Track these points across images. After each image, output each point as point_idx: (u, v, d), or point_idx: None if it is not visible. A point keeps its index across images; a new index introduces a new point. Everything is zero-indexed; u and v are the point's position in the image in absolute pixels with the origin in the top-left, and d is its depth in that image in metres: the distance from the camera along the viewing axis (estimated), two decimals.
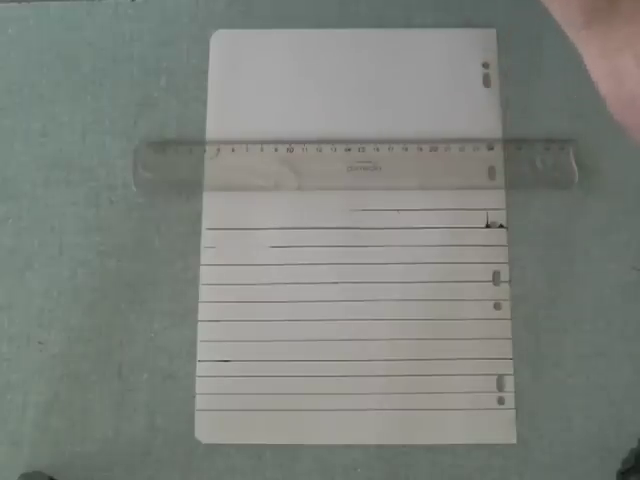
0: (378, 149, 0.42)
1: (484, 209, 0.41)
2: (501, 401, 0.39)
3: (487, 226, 0.41)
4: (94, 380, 0.40)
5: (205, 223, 0.42)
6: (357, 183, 0.41)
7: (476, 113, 0.43)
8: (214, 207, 0.42)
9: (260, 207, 0.42)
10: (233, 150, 0.42)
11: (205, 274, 0.41)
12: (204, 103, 0.43)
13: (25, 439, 0.39)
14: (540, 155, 0.42)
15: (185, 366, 0.40)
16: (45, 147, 0.43)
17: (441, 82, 0.43)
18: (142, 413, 0.39)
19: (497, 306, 0.40)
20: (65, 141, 0.43)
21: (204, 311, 0.40)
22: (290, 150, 0.42)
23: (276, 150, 0.42)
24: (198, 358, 0.40)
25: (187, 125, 0.43)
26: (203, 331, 0.40)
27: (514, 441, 0.39)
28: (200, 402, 0.39)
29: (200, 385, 0.40)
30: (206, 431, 0.39)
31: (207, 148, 0.42)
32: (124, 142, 0.43)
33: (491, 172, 0.42)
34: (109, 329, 0.40)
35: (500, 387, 0.39)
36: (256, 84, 0.43)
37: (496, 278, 0.41)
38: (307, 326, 0.40)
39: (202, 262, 0.41)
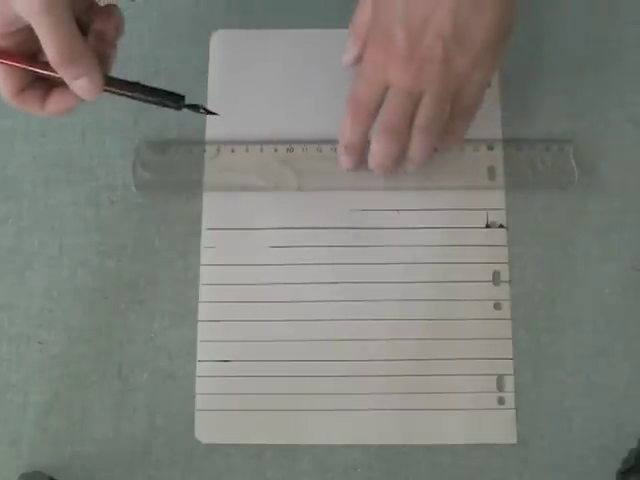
0: None
1: (484, 209, 0.41)
2: (501, 401, 0.39)
3: (487, 226, 0.41)
4: (94, 380, 0.40)
5: (205, 223, 0.41)
6: (357, 183, 0.41)
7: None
8: (214, 207, 0.42)
9: (260, 207, 0.42)
10: (233, 150, 0.42)
11: (205, 274, 0.41)
12: (204, 103, 0.43)
13: (25, 439, 0.39)
14: (540, 155, 0.42)
15: (185, 366, 0.40)
16: (45, 147, 0.43)
17: None
18: (142, 413, 0.39)
19: (497, 306, 0.40)
20: (65, 141, 0.43)
21: (204, 311, 0.40)
22: (290, 150, 0.42)
23: (276, 150, 0.42)
24: (198, 358, 0.40)
25: (187, 125, 0.43)
26: (203, 331, 0.40)
27: (514, 441, 0.39)
28: (200, 402, 0.39)
29: (200, 385, 0.40)
30: (206, 431, 0.39)
31: (207, 148, 0.42)
32: (124, 142, 0.43)
33: (491, 172, 0.42)
34: (109, 329, 0.40)
35: (500, 387, 0.39)
36: (256, 84, 0.43)
37: (496, 278, 0.41)
38: (307, 326, 0.40)
39: (202, 262, 0.41)
